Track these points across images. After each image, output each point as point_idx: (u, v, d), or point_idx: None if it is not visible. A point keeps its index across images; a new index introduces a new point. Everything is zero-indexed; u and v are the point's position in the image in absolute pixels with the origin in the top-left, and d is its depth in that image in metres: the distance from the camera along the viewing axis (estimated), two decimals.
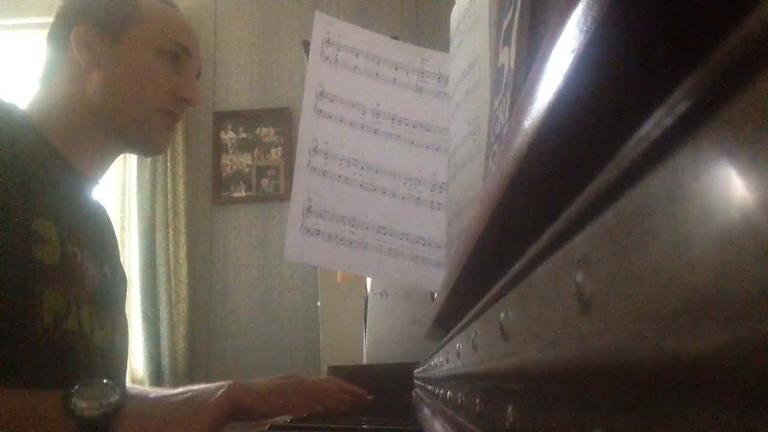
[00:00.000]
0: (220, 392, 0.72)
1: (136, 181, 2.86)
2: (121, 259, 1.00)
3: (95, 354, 0.78)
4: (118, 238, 1.02)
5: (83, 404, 0.62)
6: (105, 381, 0.65)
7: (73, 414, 0.61)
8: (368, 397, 0.94)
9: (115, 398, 0.64)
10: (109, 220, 0.97)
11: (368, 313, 1.35)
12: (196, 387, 0.78)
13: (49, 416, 0.61)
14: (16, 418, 0.60)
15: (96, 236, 0.86)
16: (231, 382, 0.75)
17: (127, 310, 0.97)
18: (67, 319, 0.73)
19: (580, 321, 0.17)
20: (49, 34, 0.89)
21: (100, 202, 0.95)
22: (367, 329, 1.36)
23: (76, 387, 0.63)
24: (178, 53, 0.90)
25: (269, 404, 0.75)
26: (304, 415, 0.87)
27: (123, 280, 0.95)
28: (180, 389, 0.79)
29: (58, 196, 0.79)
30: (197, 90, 0.93)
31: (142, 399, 0.77)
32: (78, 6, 0.88)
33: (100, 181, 0.92)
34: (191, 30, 0.95)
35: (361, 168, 1.02)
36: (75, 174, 0.85)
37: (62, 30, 0.87)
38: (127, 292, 0.98)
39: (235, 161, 2.98)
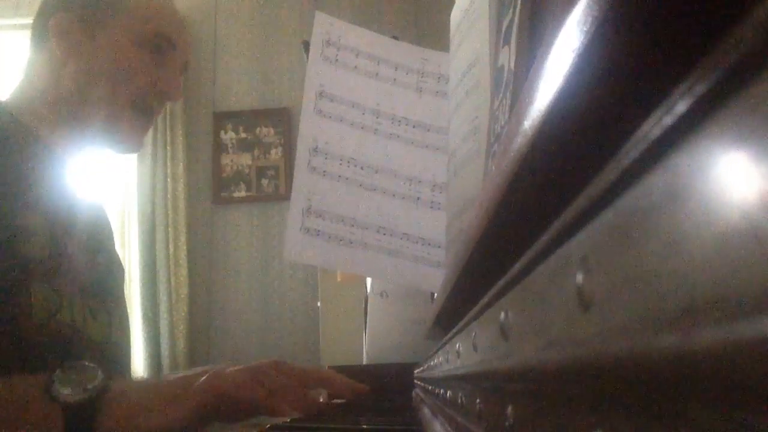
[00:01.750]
0: (201, 378, 0.70)
1: (136, 181, 2.87)
2: (121, 257, 0.99)
3: (91, 346, 0.77)
4: (118, 238, 1.01)
5: (65, 390, 0.60)
6: (86, 363, 0.64)
7: (56, 400, 0.60)
8: (366, 389, 0.92)
9: (98, 381, 0.62)
10: (102, 209, 0.95)
11: (368, 313, 1.35)
12: (182, 373, 0.76)
13: (33, 403, 0.60)
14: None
15: (86, 226, 0.85)
16: (213, 368, 0.72)
17: (127, 304, 0.96)
18: (60, 312, 0.72)
19: (580, 321, 0.17)
20: (32, 25, 0.87)
21: (93, 193, 0.94)
22: (367, 329, 1.36)
23: (57, 372, 0.62)
24: (161, 45, 0.87)
25: (251, 390, 0.71)
26: (304, 414, 0.86)
27: (120, 268, 0.94)
28: (166, 376, 0.77)
29: (45, 187, 0.77)
30: (179, 84, 0.90)
31: (127, 381, 0.75)
32: None
33: (85, 164, 0.89)
34: (178, 21, 0.91)
35: (361, 168, 1.02)
36: (60, 162, 0.83)
37: (42, 19, 0.85)
38: (127, 292, 0.97)
39: (235, 161, 2.98)
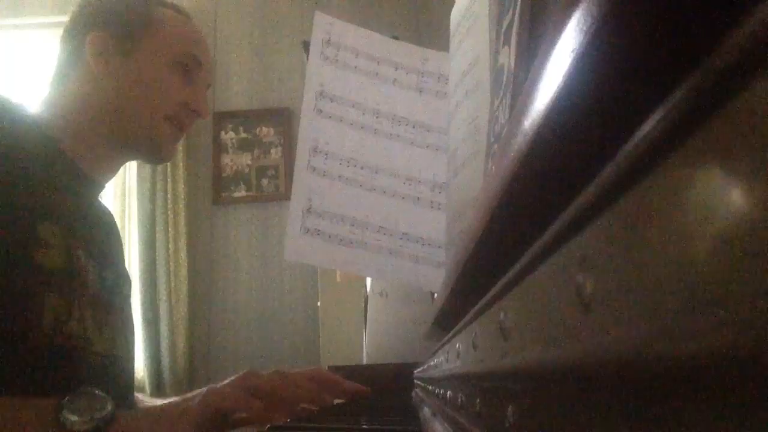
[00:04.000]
0: (198, 398, 0.71)
1: (136, 181, 2.87)
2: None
3: (96, 358, 0.78)
4: None
5: (74, 418, 0.60)
6: (97, 392, 0.64)
7: (64, 427, 0.60)
8: (366, 390, 0.93)
9: (106, 411, 0.63)
10: (114, 223, 0.97)
11: (368, 313, 1.35)
12: (178, 398, 0.77)
13: (41, 429, 0.60)
14: (6, 430, 0.59)
15: (100, 240, 0.86)
16: (208, 387, 0.74)
17: (132, 318, 0.97)
18: (68, 322, 0.72)
19: (580, 321, 0.17)
20: (62, 37, 0.89)
21: (106, 206, 0.95)
22: (367, 329, 1.36)
23: (66, 399, 0.62)
24: (191, 65, 0.90)
25: (246, 404, 0.72)
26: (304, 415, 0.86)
27: (127, 282, 0.95)
28: (168, 400, 0.79)
29: (64, 199, 0.78)
30: (206, 102, 0.93)
31: (132, 411, 0.76)
32: (94, 13, 0.88)
33: (105, 185, 0.92)
34: (204, 42, 0.95)
35: (361, 168, 1.02)
36: (82, 177, 0.85)
37: (77, 35, 0.87)
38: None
39: (235, 161, 2.98)
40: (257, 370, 0.79)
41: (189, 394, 0.75)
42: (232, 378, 0.76)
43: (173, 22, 0.90)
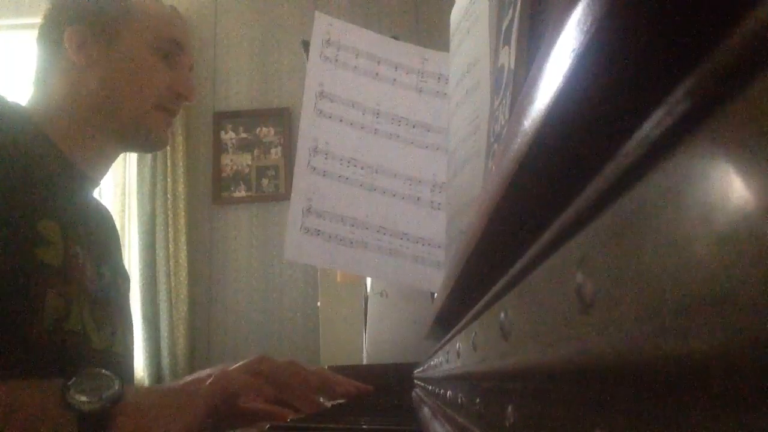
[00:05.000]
0: (209, 379, 0.71)
1: (136, 181, 2.87)
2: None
3: (95, 355, 0.78)
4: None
5: (82, 398, 0.60)
6: (104, 372, 0.64)
7: (72, 407, 0.60)
8: (369, 389, 0.93)
9: (114, 390, 0.63)
10: (111, 220, 0.97)
11: (368, 313, 1.35)
12: (189, 377, 0.77)
13: (49, 410, 0.60)
14: (14, 412, 0.59)
15: (97, 237, 0.86)
16: (220, 369, 0.74)
17: (131, 315, 0.97)
18: (67, 320, 0.72)
19: (580, 321, 0.17)
20: (39, 35, 0.89)
21: (103, 204, 0.95)
22: (367, 329, 1.36)
23: (74, 379, 0.62)
24: (171, 49, 0.90)
25: (258, 388, 0.72)
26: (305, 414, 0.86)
27: (125, 279, 0.95)
28: (173, 383, 0.78)
29: (61, 196, 0.79)
30: (192, 84, 0.93)
31: (139, 390, 0.76)
32: (69, 7, 0.88)
33: (101, 181, 0.92)
34: (183, 24, 0.95)
35: (361, 168, 1.02)
36: (77, 174, 0.85)
37: (54, 31, 0.86)
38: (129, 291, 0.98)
39: (235, 161, 2.98)
40: (270, 355, 0.78)
41: (202, 373, 0.75)
42: (246, 361, 0.75)
43: (149, 9, 0.90)
